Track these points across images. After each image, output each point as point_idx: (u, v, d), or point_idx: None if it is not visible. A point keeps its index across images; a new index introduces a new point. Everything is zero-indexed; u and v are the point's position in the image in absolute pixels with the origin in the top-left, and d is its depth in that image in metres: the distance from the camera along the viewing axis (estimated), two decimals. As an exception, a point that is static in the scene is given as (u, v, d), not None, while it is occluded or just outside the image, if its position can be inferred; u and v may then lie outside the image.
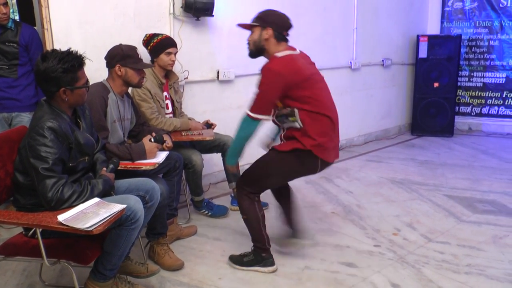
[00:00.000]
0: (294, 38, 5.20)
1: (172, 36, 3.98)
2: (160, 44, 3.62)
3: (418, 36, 6.94)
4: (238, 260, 3.09)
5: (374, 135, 6.82)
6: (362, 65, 6.27)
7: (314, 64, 3.07)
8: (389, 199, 4.33)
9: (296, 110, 2.78)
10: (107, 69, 3.08)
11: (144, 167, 2.85)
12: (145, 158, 2.91)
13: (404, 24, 7.02)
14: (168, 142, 3.17)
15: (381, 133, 6.95)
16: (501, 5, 7.08)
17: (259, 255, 3.04)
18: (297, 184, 4.67)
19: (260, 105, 2.77)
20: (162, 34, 3.71)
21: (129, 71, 3.00)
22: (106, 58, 3.07)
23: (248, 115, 2.79)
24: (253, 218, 3.00)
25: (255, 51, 2.95)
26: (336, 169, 5.28)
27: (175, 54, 3.68)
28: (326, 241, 3.46)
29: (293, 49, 2.96)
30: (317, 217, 3.89)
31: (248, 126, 2.82)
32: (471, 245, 3.37)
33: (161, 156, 3.01)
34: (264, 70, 2.78)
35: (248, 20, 4.73)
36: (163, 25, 4.10)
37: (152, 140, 3.00)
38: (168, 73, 3.78)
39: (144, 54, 3.55)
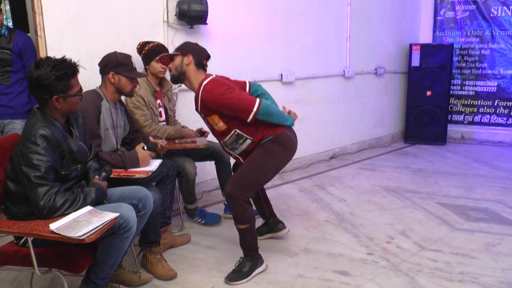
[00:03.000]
0: (287, 46, 5.28)
1: (165, 44, 3.99)
2: (151, 51, 3.63)
3: (410, 45, 6.99)
4: (240, 275, 3.01)
5: (368, 143, 6.84)
6: (355, 73, 6.29)
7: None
8: (383, 207, 4.33)
9: (237, 131, 3.02)
10: (100, 75, 3.08)
11: (137, 175, 2.84)
12: (138, 166, 2.91)
13: (396, 33, 7.07)
14: (163, 141, 3.19)
15: (374, 141, 6.98)
16: (491, 15, 7.15)
17: (254, 259, 3.08)
18: (290, 192, 4.70)
19: (244, 102, 2.92)
20: (154, 42, 3.71)
21: (122, 79, 3.00)
22: (100, 64, 3.06)
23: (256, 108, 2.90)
24: (253, 224, 3.04)
25: (177, 76, 3.08)
26: (330, 177, 5.29)
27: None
28: (319, 249, 3.45)
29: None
30: (310, 225, 3.89)
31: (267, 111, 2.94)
32: (464, 253, 3.37)
33: (154, 164, 3.00)
34: (207, 91, 2.93)
35: (241, 28, 4.81)
36: (156, 33, 4.10)
37: (145, 148, 2.99)
38: (162, 81, 3.78)
39: (138, 62, 3.56)
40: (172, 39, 4.16)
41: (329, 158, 6.13)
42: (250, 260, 3.06)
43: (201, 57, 3.08)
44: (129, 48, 3.78)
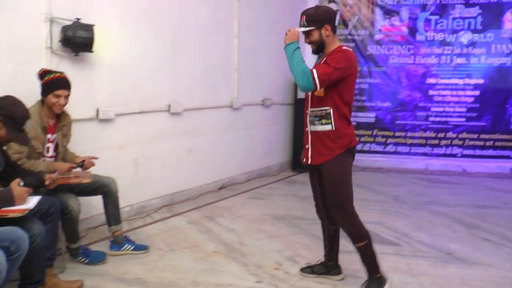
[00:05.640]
0: (176, 77, 5.28)
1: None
2: (51, 84, 3.41)
3: (296, 78, 7.30)
4: None
5: (257, 173, 6.97)
6: (243, 104, 6.43)
7: None
8: (271, 234, 4.41)
9: (330, 110, 3.04)
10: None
11: (11, 214, 2.63)
12: (13, 205, 2.69)
13: (283, 66, 7.18)
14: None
15: (263, 171, 7.12)
16: (368, 53, 7.77)
17: (379, 279, 3.17)
18: (179, 225, 4.65)
19: (325, 74, 2.89)
20: (57, 72, 3.48)
21: (4, 130, 2.80)
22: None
23: (312, 73, 2.88)
24: (370, 240, 3.14)
25: (318, 49, 3.13)
26: (218, 207, 5.30)
27: (66, 97, 3.47)
28: (208, 281, 3.41)
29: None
30: (199, 257, 3.84)
31: (304, 76, 2.89)
32: (348, 273, 3.51)
33: (33, 202, 2.79)
34: (340, 51, 3.00)
35: (128, 57, 4.73)
36: (39, 59, 3.86)
37: (22, 184, 2.79)
38: (60, 115, 3.57)
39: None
40: (56, 67, 3.95)
41: (218, 189, 6.13)
42: (375, 282, 3.16)
43: (334, 20, 3.11)
44: (7, 75, 3.56)
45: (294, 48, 2.99)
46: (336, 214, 3.15)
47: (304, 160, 3.28)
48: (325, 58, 3.03)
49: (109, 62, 4.49)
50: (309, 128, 3.21)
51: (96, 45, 4.11)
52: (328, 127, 3.08)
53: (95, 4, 4.29)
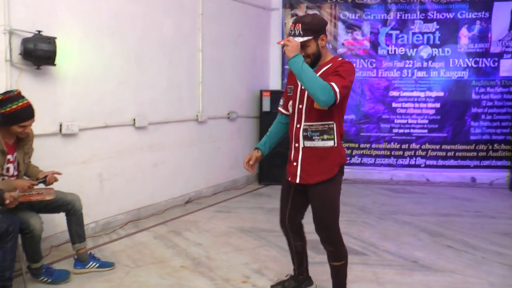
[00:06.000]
0: (140, 90, 5.24)
1: (9, 86, 3.69)
2: (14, 116, 3.25)
3: (261, 91, 7.35)
4: None
5: (223, 186, 6.94)
6: (208, 118, 6.41)
7: None
8: (238, 248, 4.38)
9: (333, 125, 2.88)
10: None
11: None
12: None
13: (248, 79, 7.40)
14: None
15: (230, 184, 7.09)
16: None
17: None
18: (145, 240, 4.58)
19: (345, 88, 2.74)
20: (20, 100, 3.29)
21: None
22: None
23: (333, 87, 2.66)
24: (347, 260, 3.10)
25: (314, 61, 2.89)
26: (185, 221, 5.24)
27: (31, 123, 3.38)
28: (176, 296, 3.38)
29: None
30: (165, 273, 3.78)
31: (325, 91, 2.64)
32: (316, 284, 3.52)
33: (-11, 222, 2.72)
34: (347, 62, 2.85)
35: (93, 71, 4.66)
36: None
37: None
38: None
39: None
40: (16, 80, 3.86)
41: (185, 203, 6.06)
42: None
43: (326, 29, 2.91)
44: (-40, 91, 3.45)
45: (302, 61, 2.70)
46: (323, 233, 3.03)
47: (290, 178, 3.06)
48: (327, 67, 2.87)
49: (72, 76, 4.42)
50: (303, 144, 2.94)
51: (59, 58, 4.05)
52: (330, 143, 2.88)
53: (56, 17, 4.23)
